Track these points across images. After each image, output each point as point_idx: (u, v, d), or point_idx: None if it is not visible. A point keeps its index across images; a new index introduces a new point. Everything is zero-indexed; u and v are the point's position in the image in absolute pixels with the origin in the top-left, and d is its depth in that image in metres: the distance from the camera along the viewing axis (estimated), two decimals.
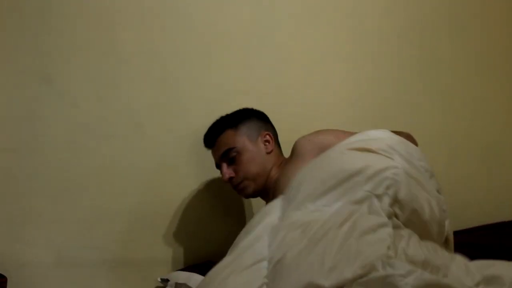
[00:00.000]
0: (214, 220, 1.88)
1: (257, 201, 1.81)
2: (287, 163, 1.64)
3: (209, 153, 1.74)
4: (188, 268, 1.77)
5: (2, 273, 1.61)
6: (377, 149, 1.38)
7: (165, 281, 1.74)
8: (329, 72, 2.00)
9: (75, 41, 1.76)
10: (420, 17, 2.09)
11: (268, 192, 1.65)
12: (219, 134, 1.69)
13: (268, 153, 1.68)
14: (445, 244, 1.38)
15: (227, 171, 1.67)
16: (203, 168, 1.82)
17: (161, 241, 1.82)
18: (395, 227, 1.24)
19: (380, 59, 2.05)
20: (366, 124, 2.00)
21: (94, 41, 1.78)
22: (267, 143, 1.70)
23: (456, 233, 1.95)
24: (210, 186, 1.87)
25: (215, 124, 1.74)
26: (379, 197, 1.27)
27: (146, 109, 1.82)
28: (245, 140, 1.67)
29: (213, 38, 1.87)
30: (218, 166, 1.72)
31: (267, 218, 1.38)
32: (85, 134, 1.76)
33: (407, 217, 1.28)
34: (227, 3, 1.91)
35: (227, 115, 1.74)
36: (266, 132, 1.71)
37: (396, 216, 1.27)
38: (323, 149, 1.49)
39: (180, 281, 1.68)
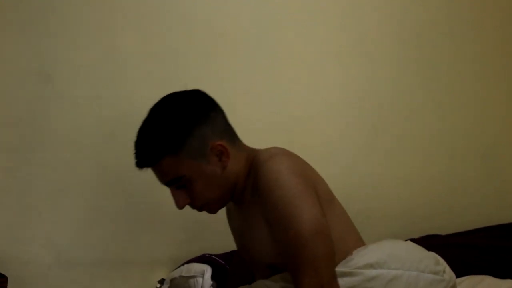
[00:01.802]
0: (214, 220, 1.88)
1: None
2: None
3: None
4: (184, 263, 1.76)
5: (3, 272, 1.61)
6: None
7: (162, 283, 1.74)
8: (328, 74, 2.00)
9: (76, 41, 1.76)
10: (419, 18, 2.09)
11: (241, 197, 1.37)
12: (154, 162, 1.31)
13: (225, 167, 1.31)
14: None
15: (180, 199, 1.33)
16: None
17: (161, 241, 1.83)
18: None
19: (379, 61, 2.05)
20: (365, 125, 2.02)
21: (95, 41, 1.78)
22: (221, 156, 1.31)
23: (455, 235, 1.98)
24: None
25: (144, 145, 1.33)
26: None
27: (146, 109, 1.82)
28: (192, 164, 1.29)
29: (212, 39, 1.87)
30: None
31: None
32: (86, 134, 1.77)
33: None
34: (227, 4, 1.91)
35: (157, 131, 1.33)
36: (216, 143, 1.30)
37: None
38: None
39: (175, 276, 1.69)
